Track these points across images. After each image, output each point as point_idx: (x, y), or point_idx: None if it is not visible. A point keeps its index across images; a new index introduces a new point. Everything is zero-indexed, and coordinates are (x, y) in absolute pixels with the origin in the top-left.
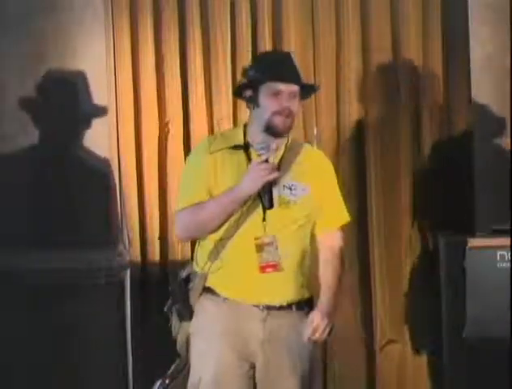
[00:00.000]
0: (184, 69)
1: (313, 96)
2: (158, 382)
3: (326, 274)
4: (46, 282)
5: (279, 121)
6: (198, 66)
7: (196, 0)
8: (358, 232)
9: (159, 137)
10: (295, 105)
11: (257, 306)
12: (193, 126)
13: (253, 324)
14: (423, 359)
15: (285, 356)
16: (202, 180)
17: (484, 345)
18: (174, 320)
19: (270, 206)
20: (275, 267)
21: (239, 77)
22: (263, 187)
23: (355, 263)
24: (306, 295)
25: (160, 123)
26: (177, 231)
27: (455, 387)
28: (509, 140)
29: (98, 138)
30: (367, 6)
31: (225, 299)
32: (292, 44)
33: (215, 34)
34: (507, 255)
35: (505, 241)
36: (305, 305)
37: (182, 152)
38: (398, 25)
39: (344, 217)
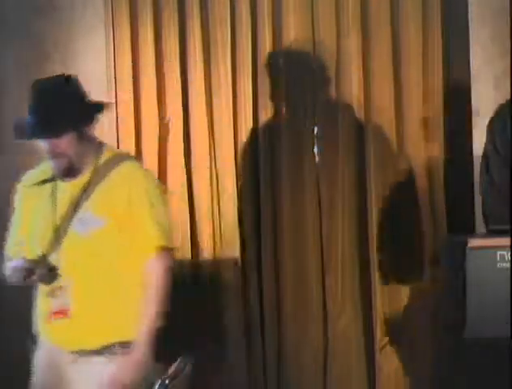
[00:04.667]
0: (184, 69)
1: (312, 95)
2: (158, 382)
3: (142, 310)
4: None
5: (53, 163)
6: (198, 66)
7: (196, 0)
8: (358, 232)
9: (159, 137)
10: (61, 146)
11: (66, 350)
12: (193, 126)
13: (65, 368)
14: (423, 359)
15: None
16: (18, 218)
17: (484, 345)
18: None
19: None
20: (65, 313)
21: (239, 77)
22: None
23: (355, 263)
24: (119, 337)
25: (159, 123)
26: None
27: (455, 387)
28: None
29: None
30: (367, 6)
31: (44, 342)
32: (292, 44)
33: (215, 34)
34: (507, 255)
35: (505, 241)
36: (122, 346)
37: (182, 152)
38: (398, 25)
39: (155, 241)
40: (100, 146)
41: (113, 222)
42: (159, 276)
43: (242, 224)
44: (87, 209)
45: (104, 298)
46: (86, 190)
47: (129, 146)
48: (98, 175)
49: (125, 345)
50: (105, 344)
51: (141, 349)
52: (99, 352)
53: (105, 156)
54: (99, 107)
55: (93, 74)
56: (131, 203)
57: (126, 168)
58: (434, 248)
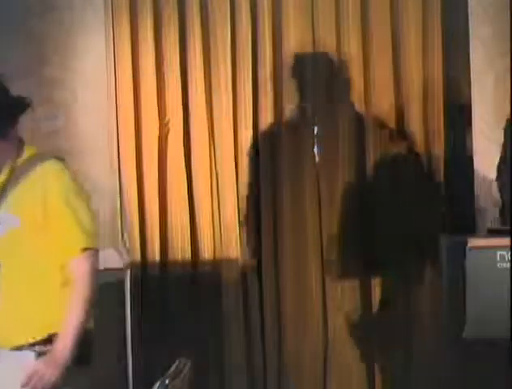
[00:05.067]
0: (184, 69)
1: (311, 95)
2: (158, 382)
3: (66, 310)
4: None
5: None
6: (198, 66)
7: (196, 0)
8: (358, 232)
9: (159, 137)
10: None
11: None
12: (193, 126)
13: None
14: (423, 359)
15: None
16: None
17: (484, 345)
18: None
19: None
20: None
21: (239, 77)
22: None
23: (355, 263)
24: (40, 336)
25: (159, 123)
26: None
27: (455, 387)
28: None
29: (98, 138)
30: (367, 6)
31: None
32: (292, 44)
33: (215, 34)
34: (507, 255)
35: (505, 241)
36: (44, 345)
37: (182, 152)
38: (398, 25)
39: (78, 243)
40: (20, 145)
41: (30, 221)
42: (83, 277)
43: (242, 225)
44: (4, 209)
45: (25, 299)
46: (3, 190)
47: (129, 146)
48: (16, 174)
49: (46, 344)
50: (25, 343)
51: (62, 347)
52: (20, 349)
53: (25, 155)
54: (22, 106)
55: (93, 75)
56: (48, 202)
57: (45, 167)
58: (434, 248)
